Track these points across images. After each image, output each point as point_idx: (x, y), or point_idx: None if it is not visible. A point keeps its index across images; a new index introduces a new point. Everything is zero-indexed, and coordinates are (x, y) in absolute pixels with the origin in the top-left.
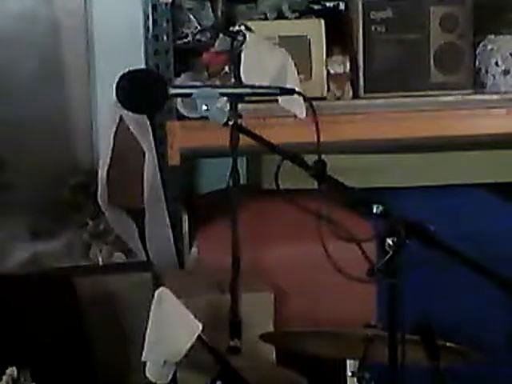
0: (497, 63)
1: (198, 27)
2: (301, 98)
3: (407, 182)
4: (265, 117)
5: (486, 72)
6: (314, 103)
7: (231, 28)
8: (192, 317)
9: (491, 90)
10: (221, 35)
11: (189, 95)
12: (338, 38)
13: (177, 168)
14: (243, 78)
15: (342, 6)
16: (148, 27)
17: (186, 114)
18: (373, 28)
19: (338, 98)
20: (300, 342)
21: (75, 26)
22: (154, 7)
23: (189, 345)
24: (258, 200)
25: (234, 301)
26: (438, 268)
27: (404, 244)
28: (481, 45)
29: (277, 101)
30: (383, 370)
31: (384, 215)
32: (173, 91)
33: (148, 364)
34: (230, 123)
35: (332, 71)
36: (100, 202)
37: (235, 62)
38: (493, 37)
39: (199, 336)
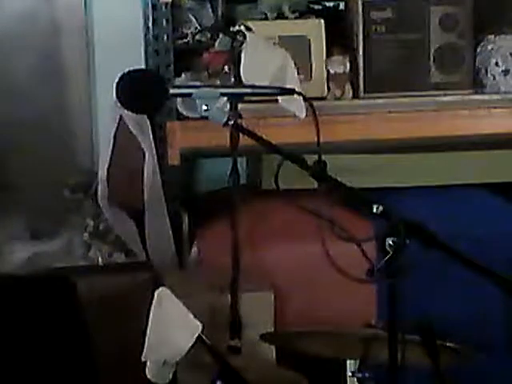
0: (497, 63)
1: (198, 27)
2: (301, 98)
3: (407, 181)
4: (265, 117)
5: (486, 72)
6: (314, 103)
7: (231, 28)
8: (192, 317)
9: (491, 90)
10: (221, 35)
11: (189, 95)
12: (338, 37)
13: (177, 168)
14: (243, 78)
15: (341, 6)
16: (148, 27)
17: (185, 113)
18: (373, 28)
19: (338, 98)
20: (300, 341)
21: (75, 25)
22: (154, 7)
23: (189, 345)
24: (258, 200)
25: (233, 301)
26: (438, 268)
27: (404, 244)
28: (481, 45)
29: (277, 101)
30: (383, 370)
31: (384, 215)
32: (173, 91)
33: (148, 364)
34: (230, 123)
35: (332, 71)
36: (100, 202)
37: (235, 62)
38: (493, 37)
39: (199, 336)
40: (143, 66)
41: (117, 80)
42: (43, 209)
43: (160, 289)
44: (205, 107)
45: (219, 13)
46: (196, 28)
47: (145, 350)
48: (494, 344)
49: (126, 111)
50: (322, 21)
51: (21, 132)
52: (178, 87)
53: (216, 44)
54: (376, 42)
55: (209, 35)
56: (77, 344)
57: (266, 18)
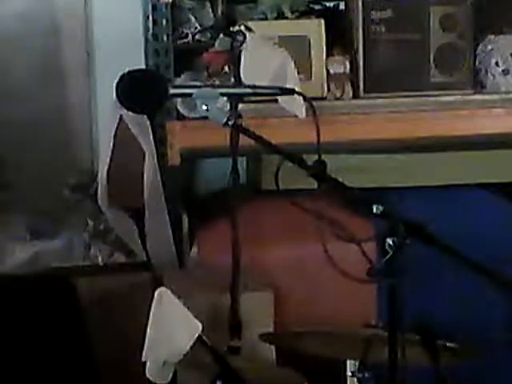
0: (497, 63)
1: (198, 27)
2: (301, 98)
3: (407, 182)
4: (265, 117)
5: (486, 72)
6: (314, 103)
7: (231, 28)
8: (192, 317)
9: (491, 89)
10: (221, 35)
11: (189, 95)
12: (338, 38)
13: (177, 168)
14: (243, 78)
15: (342, 6)
16: (148, 27)
17: (186, 114)
18: (373, 28)
19: (338, 98)
20: (300, 341)
21: (75, 26)
22: (154, 7)
23: (189, 345)
24: (258, 200)
25: (234, 301)
26: (438, 268)
27: (404, 244)
28: (481, 45)
29: (277, 101)
30: (383, 370)
31: (384, 215)
32: (173, 91)
33: (148, 364)
34: (230, 123)
35: (332, 71)
36: (100, 202)
37: (235, 62)
38: (493, 37)
39: (199, 336)
40: (143, 66)
41: (117, 80)
42: (43, 209)
43: (160, 289)
44: (205, 107)
45: (219, 13)
46: (196, 28)
47: (145, 349)
48: (494, 344)
49: (125, 111)
50: (322, 21)
51: (21, 132)
52: (178, 87)
53: (216, 44)
54: (376, 42)
55: (209, 35)
56: (77, 344)
57: (266, 18)
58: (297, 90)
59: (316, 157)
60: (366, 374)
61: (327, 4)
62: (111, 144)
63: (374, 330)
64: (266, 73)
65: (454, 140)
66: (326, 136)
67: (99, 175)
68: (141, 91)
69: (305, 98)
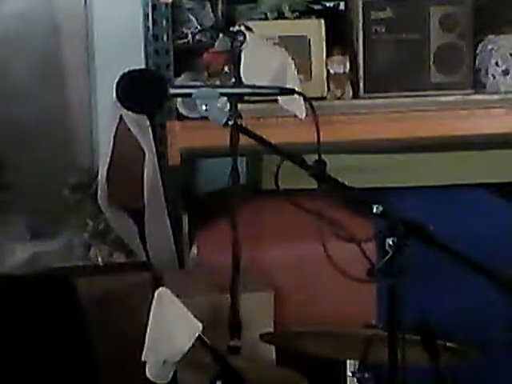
0: (497, 63)
1: (198, 27)
2: (301, 98)
3: (407, 182)
4: (265, 117)
5: (486, 72)
6: (314, 103)
7: (231, 28)
8: (192, 317)
9: (491, 89)
10: (221, 35)
11: (189, 95)
12: (338, 38)
13: (177, 168)
14: (243, 78)
15: (342, 6)
16: (148, 27)
17: (186, 114)
18: (373, 28)
19: (338, 98)
20: (300, 341)
21: (75, 26)
22: (154, 7)
23: (189, 345)
24: (258, 200)
25: (234, 301)
26: (438, 268)
27: (404, 244)
28: (481, 45)
29: (277, 101)
30: (383, 370)
31: (384, 215)
32: (173, 91)
33: (148, 364)
34: (230, 123)
35: (332, 71)
36: (100, 202)
37: (235, 62)
38: (493, 37)
39: (199, 336)
40: (143, 66)
41: (117, 80)
42: (43, 209)
43: (160, 289)
44: (205, 107)
45: (219, 13)
46: (196, 28)
47: (145, 349)
48: (494, 344)
49: (125, 111)
50: (322, 21)
51: (21, 132)
52: (178, 87)
53: (216, 44)
54: (376, 42)
55: (209, 35)
56: (77, 344)
57: (266, 18)
58: (297, 89)
59: (316, 157)
60: (366, 374)
61: (327, 4)
62: (111, 144)
63: (374, 330)
64: (266, 73)
65: (454, 140)
66: (326, 136)
67: (99, 175)
68: (141, 91)
69: (305, 98)
